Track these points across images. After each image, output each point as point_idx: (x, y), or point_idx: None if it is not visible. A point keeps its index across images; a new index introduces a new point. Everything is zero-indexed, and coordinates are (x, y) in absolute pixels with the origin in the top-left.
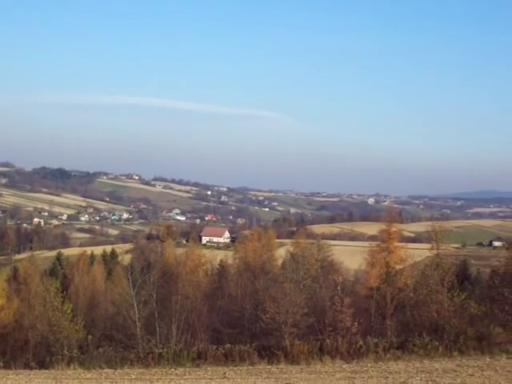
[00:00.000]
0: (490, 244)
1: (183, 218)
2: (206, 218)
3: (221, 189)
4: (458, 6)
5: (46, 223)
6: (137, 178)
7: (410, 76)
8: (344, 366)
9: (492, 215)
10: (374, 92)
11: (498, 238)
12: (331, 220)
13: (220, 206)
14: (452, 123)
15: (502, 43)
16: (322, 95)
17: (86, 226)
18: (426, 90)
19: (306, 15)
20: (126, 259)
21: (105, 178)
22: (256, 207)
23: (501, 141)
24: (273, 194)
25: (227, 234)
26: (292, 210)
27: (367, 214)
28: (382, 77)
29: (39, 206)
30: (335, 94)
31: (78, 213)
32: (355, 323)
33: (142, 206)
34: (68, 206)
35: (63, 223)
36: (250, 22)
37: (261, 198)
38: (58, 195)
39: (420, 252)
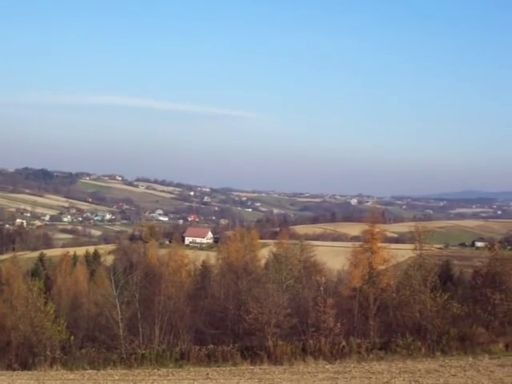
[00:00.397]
0: (473, 244)
1: (166, 219)
2: (189, 219)
3: (204, 189)
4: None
5: (28, 224)
6: (119, 178)
7: (392, 77)
8: (327, 366)
9: (474, 216)
10: (357, 93)
11: (481, 239)
12: (314, 220)
13: (203, 206)
14: (434, 124)
15: (487, 44)
16: (305, 96)
17: (69, 227)
18: (408, 92)
19: (286, 14)
20: (109, 260)
21: (87, 178)
22: (239, 208)
23: (483, 142)
24: (256, 194)
25: (210, 234)
26: (275, 211)
27: (350, 214)
28: (365, 77)
29: (22, 206)
30: (319, 95)
31: (61, 213)
32: (338, 324)
33: (125, 206)
34: (51, 207)
35: (46, 224)
36: (231, 22)
37: (244, 199)
38: (40, 196)
39: (403, 252)
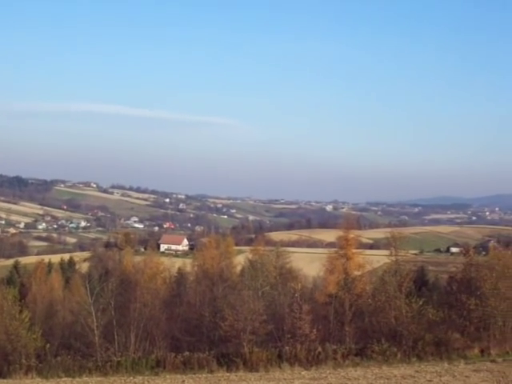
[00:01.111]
0: (448, 250)
1: (141, 226)
2: (165, 226)
3: (179, 196)
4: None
5: (3, 231)
6: (94, 185)
7: (366, 84)
8: (303, 372)
9: (449, 221)
10: (332, 101)
11: (456, 244)
12: (289, 227)
13: (178, 213)
14: (409, 131)
15: (463, 50)
16: (280, 103)
17: (44, 234)
18: (384, 99)
19: (263, 20)
20: (84, 267)
21: (62, 185)
22: (214, 214)
23: (458, 148)
24: (231, 201)
25: (185, 241)
26: (250, 217)
27: (325, 220)
28: (338, 84)
29: None
30: (293, 103)
31: (36, 221)
32: (314, 330)
33: (100, 213)
34: (25, 214)
35: (20, 231)
36: (213, 29)
37: (219, 206)
38: (15, 203)
39: (378, 258)
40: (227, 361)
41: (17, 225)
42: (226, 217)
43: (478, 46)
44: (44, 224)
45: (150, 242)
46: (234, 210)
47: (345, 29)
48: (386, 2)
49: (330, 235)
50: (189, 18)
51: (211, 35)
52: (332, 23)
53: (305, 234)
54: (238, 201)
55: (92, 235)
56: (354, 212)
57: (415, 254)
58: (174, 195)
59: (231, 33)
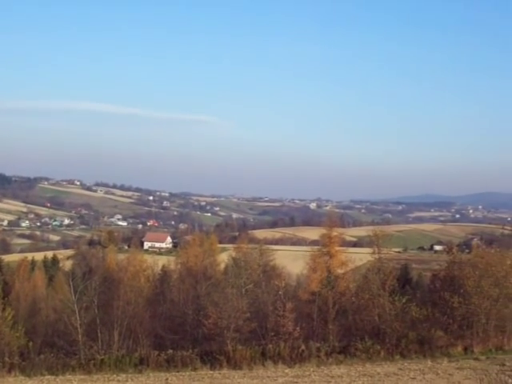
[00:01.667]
0: (431, 248)
1: (125, 224)
2: (148, 224)
3: (163, 194)
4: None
5: None
6: (78, 183)
7: (348, 81)
8: (286, 370)
9: (433, 219)
10: (316, 99)
11: (439, 242)
12: (273, 225)
13: (162, 211)
14: (393, 129)
15: (449, 50)
16: (264, 101)
17: (27, 232)
18: (365, 96)
19: (244, 20)
20: (68, 265)
21: (46, 183)
22: (198, 212)
23: (441, 146)
24: (215, 199)
25: (169, 239)
26: (234, 215)
27: (309, 218)
28: (321, 82)
29: None
30: (278, 101)
31: (19, 218)
32: (297, 328)
33: (84, 211)
34: (9, 212)
35: (4, 229)
36: (196, 26)
37: (203, 203)
38: None
39: (361, 256)
40: (211, 359)
41: (0, 222)
42: (209, 215)
43: (464, 46)
44: (27, 222)
45: (133, 240)
46: (217, 208)
47: (326, 29)
48: (373, 5)
49: (313, 233)
50: (173, 18)
51: (193, 34)
52: (312, 24)
53: (288, 231)
54: (222, 199)
55: (75, 233)
56: (337, 210)
57: (399, 252)
58: (158, 193)
59: (215, 32)
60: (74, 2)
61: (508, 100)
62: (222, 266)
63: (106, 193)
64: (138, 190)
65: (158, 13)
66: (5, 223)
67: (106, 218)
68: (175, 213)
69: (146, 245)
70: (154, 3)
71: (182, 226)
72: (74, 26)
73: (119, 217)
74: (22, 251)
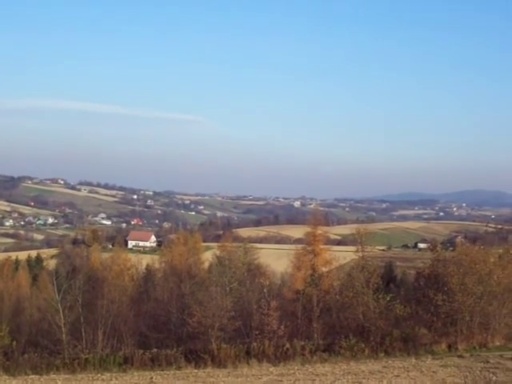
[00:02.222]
0: (415, 246)
1: (109, 223)
2: (132, 222)
3: (147, 193)
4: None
5: None
6: (62, 182)
7: (332, 81)
8: (271, 369)
9: (417, 217)
10: (299, 97)
11: (423, 240)
12: (257, 223)
13: (146, 209)
14: (376, 127)
15: (433, 49)
16: (249, 100)
17: (11, 231)
18: (351, 95)
19: (230, 19)
20: (52, 264)
21: (29, 182)
22: (182, 211)
23: (425, 144)
24: (199, 197)
25: (153, 237)
26: (218, 214)
27: (293, 217)
28: (306, 81)
29: None
30: (261, 99)
31: (3, 217)
32: (282, 326)
33: (68, 210)
34: None
35: None
36: (177, 26)
37: (187, 202)
38: None
39: (346, 254)
40: (195, 357)
41: None
42: (193, 213)
43: (448, 45)
44: (11, 221)
45: (117, 239)
46: (201, 207)
47: (313, 28)
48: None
49: (297, 231)
50: (162, 18)
51: (178, 32)
52: (299, 23)
53: (273, 230)
54: (206, 197)
55: (59, 232)
56: (321, 208)
57: (383, 250)
58: (142, 192)
59: (202, 32)
60: (68, 2)
61: (491, 99)
62: (207, 264)
63: (90, 192)
64: (121, 188)
65: (149, 13)
66: None
67: (89, 217)
68: (159, 211)
69: (130, 244)
70: (147, 4)
71: (166, 225)
72: (56, 24)
73: (103, 216)
74: (5, 250)
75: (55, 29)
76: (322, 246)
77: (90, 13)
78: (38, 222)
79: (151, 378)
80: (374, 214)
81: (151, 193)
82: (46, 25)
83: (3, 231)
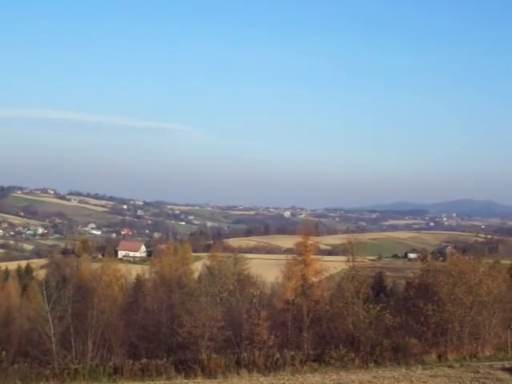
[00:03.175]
0: (406, 256)
1: (99, 233)
2: (122, 233)
3: (137, 203)
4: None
5: None
6: (52, 192)
7: (322, 91)
8: (261, 379)
9: (407, 227)
10: (289, 106)
11: (413, 250)
12: (248, 233)
13: (136, 220)
14: (367, 138)
15: (423, 56)
16: (238, 108)
17: (1, 241)
18: (340, 106)
19: (213, 29)
20: (41, 274)
21: (19, 192)
22: (172, 221)
23: (416, 155)
24: (189, 207)
25: (143, 248)
26: (208, 224)
27: (283, 227)
28: (296, 91)
29: None
30: (252, 108)
31: None
32: (272, 336)
33: (58, 220)
34: None
35: None
36: (164, 36)
37: (177, 212)
38: None
39: (336, 264)
40: (185, 367)
41: None
42: (184, 223)
43: (438, 55)
44: (1, 231)
45: (107, 249)
46: (192, 217)
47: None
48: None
49: (288, 241)
50: (144, 28)
51: (164, 42)
52: (281, 30)
53: (263, 240)
54: (196, 207)
55: (49, 242)
56: (312, 218)
57: (373, 260)
58: (132, 202)
59: (185, 41)
60: (50, 10)
61: (481, 110)
62: (196, 274)
63: (80, 202)
64: (111, 198)
65: (136, 22)
66: None
67: (79, 227)
68: (149, 221)
69: (120, 254)
70: (134, 13)
71: (156, 235)
72: (46, 35)
73: (93, 226)
74: None
75: (40, 38)
76: (312, 256)
77: (76, 24)
78: (27, 232)
79: None
80: (364, 223)
81: (141, 203)
82: (31, 35)
83: None
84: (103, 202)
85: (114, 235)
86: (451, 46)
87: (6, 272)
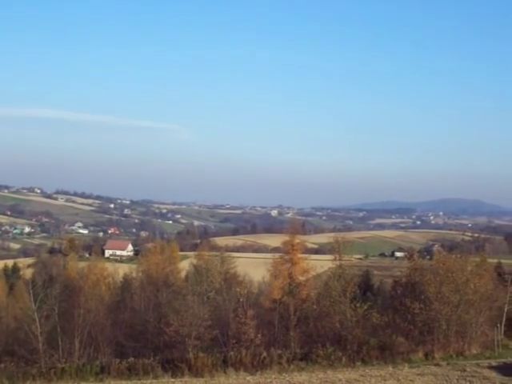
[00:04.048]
0: (392, 254)
1: (86, 232)
2: (109, 231)
3: (124, 202)
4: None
5: None
6: (38, 191)
7: (308, 90)
8: (248, 378)
9: (394, 226)
10: (276, 105)
11: (400, 249)
12: (235, 232)
13: (123, 218)
14: (354, 137)
15: (406, 56)
16: (225, 108)
17: None
18: (327, 104)
19: (199, 31)
20: (28, 273)
21: (6, 191)
22: (159, 220)
23: (402, 153)
24: (176, 206)
25: (130, 247)
26: (195, 223)
27: (270, 225)
28: (281, 90)
29: None
30: (238, 107)
31: None
32: (259, 335)
33: (44, 219)
34: None
35: None
36: (151, 35)
37: (164, 211)
38: None
39: (323, 263)
40: (172, 366)
41: None
42: (170, 222)
43: (423, 54)
44: None
45: (94, 248)
46: (179, 216)
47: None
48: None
49: (275, 240)
50: (129, 16)
51: (152, 41)
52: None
53: (250, 239)
54: (183, 206)
55: (36, 241)
56: (298, 217)
57: (360, 259)
58: (119, 200)
59: (174, 41)
60: (37, 9)
61: (467, 108)
62: (184, 273)
63: (67, 201)
64: (98, 197)
65: (124, 21)
66: None
67: (66, 226)
68: (136, 220)
69: (107, 253)
70: (121, 12)
71: (143, 234)
72: (28, 35)
73: (80, 225)
74: None
75: (24, 34)
76: (299, 255)
77: (62, 20)
78: (14, 231)
79: None
80: (351, 222)
81: (128, 202)
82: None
83: None
84: (90, 201)
85: (101, 234)
86: (438, 44)
87: None
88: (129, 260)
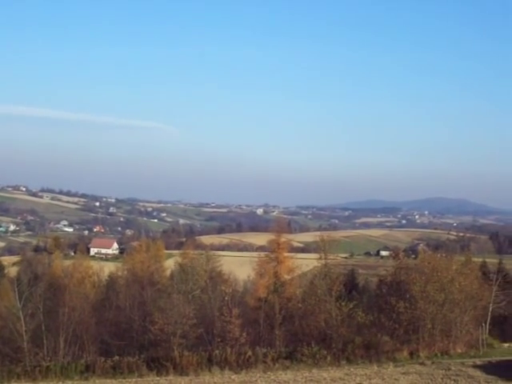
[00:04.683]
0: (378, 253)
1: (71, 230)
2: (95, 230)
3: (109, 200)
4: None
5: None
6: (24, 189)
7: (296, 88)
8: (233, 376)
9: (379, 225)
10: (261, 104)
11: (385, 248)
12: (220, 231)
13: (108, 217)
14: (340, 135)
15: (400, 55)
16: (212, 107)
17: None
18: (313, 103)
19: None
20: (13, 271)
21: None
22: (145, 218)
23: (387, 152)
24: (162, 205)
25: (116, 245)
26: (181, 221)
27: (256, 224)
28: (268, 90)
29: None
30: (225, 107)
31: None
32: (244, 333)
33: (29, 217)
34: None
35: None
36: (139, 35)
37: (149, 209)
38: None
39: (308, 262)
40: (157, 365)
41: None
42: (156, 221)
43: (415, 52)
44: None
45: (79, 246)
46: (164, 214)
47: (274, 36)
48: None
49: (260, 239)
50: (114, 15)
51: (139, 41)
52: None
53: (235, 237)
54: (169, 204)
55: (21, 239)
56: (284, 216)
57: (345, 258)
58: (104, 199)
59: (161, 40)
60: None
61: (454, 108)
62: (169, 272)
63: (52, 199)
64: (84, 195)
65: (111, 21)
66: None
67: (51, 224)
68: (122, 219)
69: (93, 251)
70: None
71: (129, 232)
72: (21, 34)
73: (65, 223)
74: None
75: (23, 33)
76: (285, 254)
77: (51, 19)
78: None
79: None
80: (336, 221)
81: (113, 200)
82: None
83: None
84: (75, 199)
85: (86, 232)
86: (432, 44)
87: None
88: (114, 258)
